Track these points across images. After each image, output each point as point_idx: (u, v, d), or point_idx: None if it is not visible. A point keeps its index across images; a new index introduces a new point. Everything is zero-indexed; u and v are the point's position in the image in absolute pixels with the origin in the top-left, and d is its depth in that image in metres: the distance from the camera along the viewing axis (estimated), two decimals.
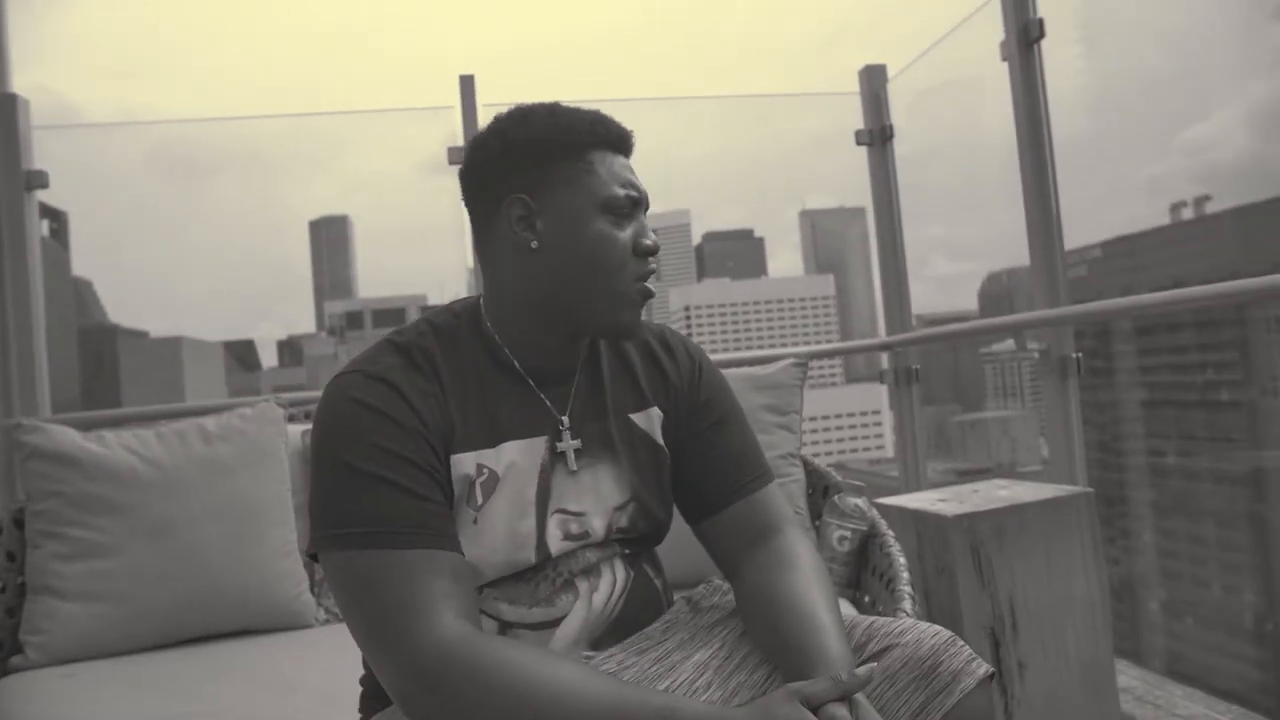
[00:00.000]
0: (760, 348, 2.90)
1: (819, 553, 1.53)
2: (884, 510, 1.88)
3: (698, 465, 1.03)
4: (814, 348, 2.45)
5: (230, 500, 1.61)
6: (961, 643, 0.87)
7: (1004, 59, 2.10)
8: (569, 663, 0.80)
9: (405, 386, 0.89)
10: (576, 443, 0.97)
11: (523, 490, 0.94)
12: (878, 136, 2.75)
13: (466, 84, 2.56)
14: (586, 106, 0.98)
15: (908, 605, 1.22)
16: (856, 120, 2.80)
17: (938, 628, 0.89)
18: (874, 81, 2.77)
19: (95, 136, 3.06)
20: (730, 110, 3.41)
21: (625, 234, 0.94)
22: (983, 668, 0.85)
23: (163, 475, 1.60)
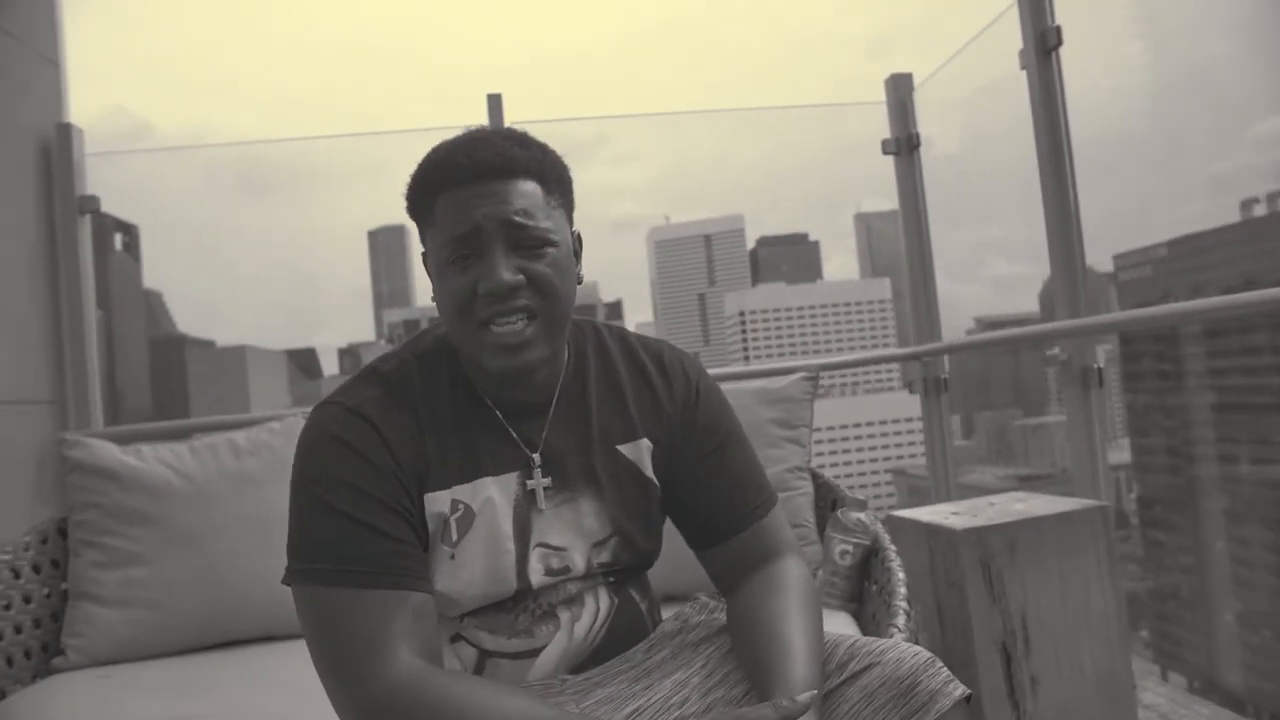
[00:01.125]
0: (816, 354, 2.90)
1: (819, 571, 1.55)
2: (896, 523, 1.88)
3: (698, 495, 1.02)
4: (826, 359, 2.45)
5: (257, 512, 1.68)
6: (941, 664, 0.88)
7: (1022, 67, 2.09)
8: (516, 696, 0.82)
9: (382, 423, 0.90)
10: (546, 480, 0.96)
11: (499, 526, 0.94)
12: (904, 145, 2.74)
13: (494, 102, 2.62)
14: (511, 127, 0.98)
15: (901, 621, 1.22)
16: (899, 127, 2.77)
17: (918, 648, 0.90)
18: (900, 90, 2.76)
19: (166, 156, 3.22)
20: (772, 119, 3.43)
21: (465, 279, 0.89)
22: (959, 689, 0.85)
23: (194, 488, 1.68)
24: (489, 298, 0.88)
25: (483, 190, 0.89)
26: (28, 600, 1.62)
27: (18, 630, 1.59)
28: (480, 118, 2.61)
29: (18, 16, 2.36)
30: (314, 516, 0.87)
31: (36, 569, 1.66)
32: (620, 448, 1.00)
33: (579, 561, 0.97)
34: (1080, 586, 1.70)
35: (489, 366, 0.92)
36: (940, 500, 2.48)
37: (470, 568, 0.92)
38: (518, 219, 0.89)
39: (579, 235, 1.00)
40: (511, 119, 2.61)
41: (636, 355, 1.05)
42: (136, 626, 1.60)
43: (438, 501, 0.92)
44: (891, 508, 1.96)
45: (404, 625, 0.83)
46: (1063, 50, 2.07)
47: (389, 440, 0.89)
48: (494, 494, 0.94)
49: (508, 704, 0.80)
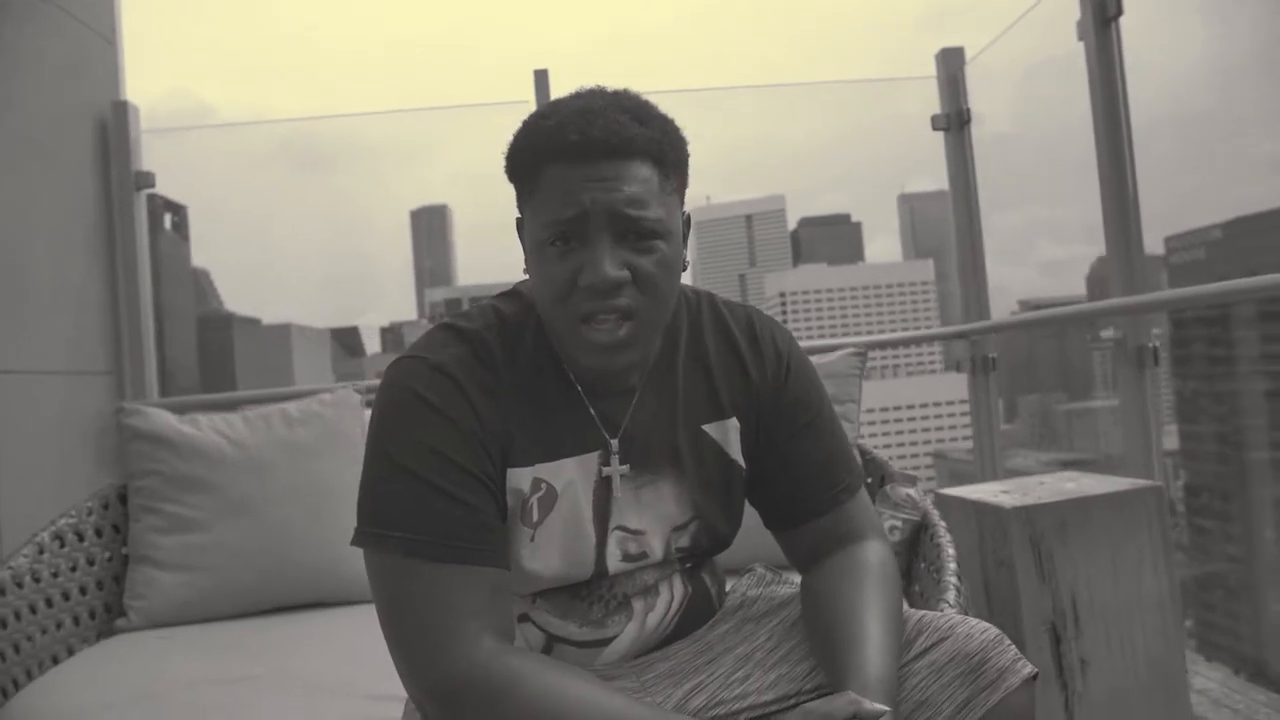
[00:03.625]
0: (858, 333, 2.88)
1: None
2: (945, 501, 1.86)
3: (784, 475, 0.97)
4: (873, 337, 2.43)
5: (309, 480, 1.72)
6: (1009, 642, 0.86)
7: (1079, 38, 2.04)
8: (586, 682, 0.79)
9: (467, 382, 0.85)
10: (625, 468, 0.92)
11: (580, 508, 0.90)
12: (954, 121, 2.69)
13: (541, 78, 2.62)
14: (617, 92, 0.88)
15: (951, 596, 1.21)
16: (949, 102, 2.72)
17: (987, 625, 0.88)
18: (951, 65, 2.70)
19: (214, 136, 3.28)
20: (822, 95, 3.38)
21: (565, 266, 0.83)
22: (1028, 668, 0.84)
23: (248, 456, 1.72)
24: (589, 291, 0.82)
25: (594, 172, 0.82)
26: (91, 563, 1.68)
27: (83, 591, 1.64)
28: (527, 94, 2.62)
29: None
30: (393, 480, 0.82)
31: (99, 533, 1.71)
32: (705, 427, 0.95)
33: (657, 547, 0.93)
34: (1133, 568, 1.67)
35: (583, 361, 0.87)
36: (987, 480, 2.45)
37: (549, 550, 0.89)
38: (629, 211, 0.82)
39: (689, 217, 0.94)
40: (557, 95, 2.60)
41: (726, 326, 0.99)
42: (193, 590, 1.64)
43: (519, 478, 0.88)
44: (931, 491, 1.94)
45: (480, 603, 0.80)
46: (1122, 21, 2.02)
47: (475, 402, 0.84)
48: (576, 475, 0.90)
49: (589, 694, 0.77)
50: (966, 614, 1.24)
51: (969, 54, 2.72)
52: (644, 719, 0.76)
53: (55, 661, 1.53)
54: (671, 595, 0.96)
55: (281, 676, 1.34)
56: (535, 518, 0.89)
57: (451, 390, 0.84)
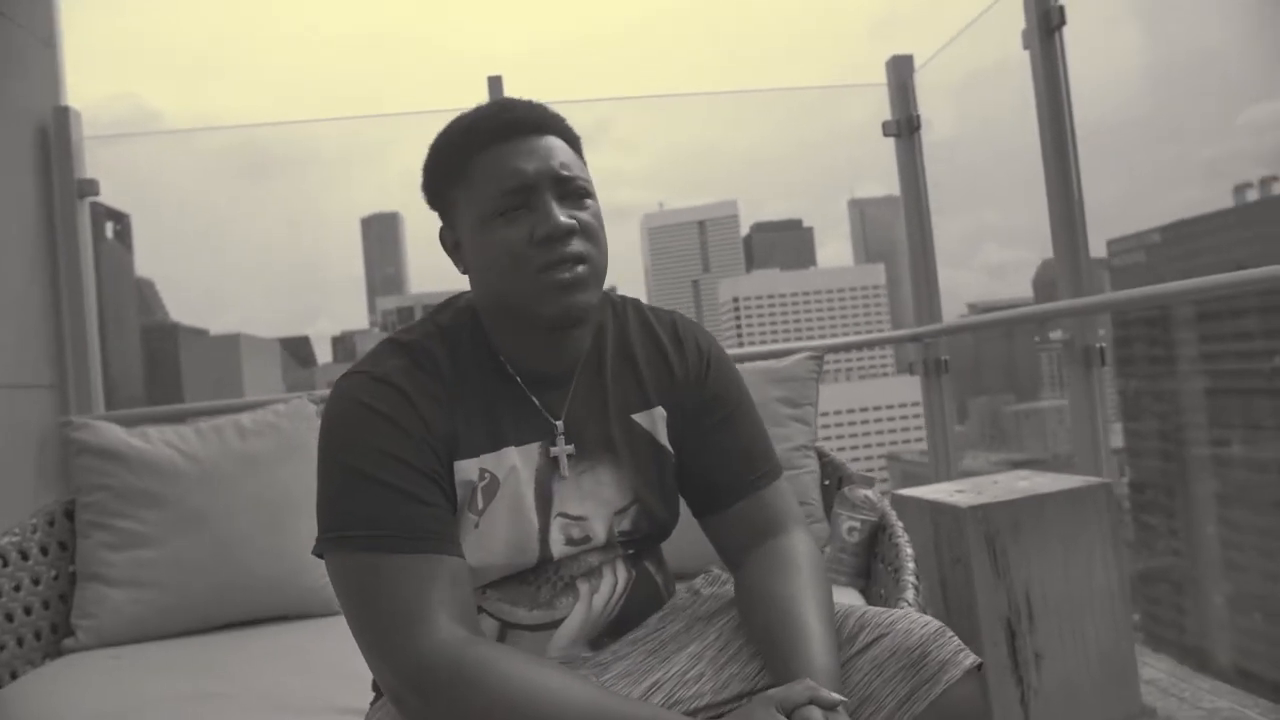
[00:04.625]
0: (811, 338, 2.91)
1: (827, 548, 1.56)
2: (902, 501, 1.89)
3: (705, 461, 1.03)
4: (830, 341, 2.46)
5: (264, 493, 1.69)
6: (951, 634, 0.88)
7: (1025, 47, 2.09)
8: (555, 670, 0.82)
9: (410, 389, 0.90)
10: (570, 448, 0.97)
11: (522, 495, 0.94)
12: (905, 127, 2.74)
13: (495, 84, 2.62)
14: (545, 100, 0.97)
15: (910, 595, 1.23)
16: (899, 109, 2.76)
17: (928, 618, 0.90)
18: (901, 72, 2.75)
19: (160, 142, 3.20)
20: (772, 102, 3.41)
21: (517, 229, 0.90)
22: (970, 658, 0.85)
23: (201, 469, 1.68)
24: (547, 242, 0.90)
25: (523, 146, 0.92)
26: (36, 582, 1.63)
27: (27, 611, 1.59)
28: (481, 99, 2.60)
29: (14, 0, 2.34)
30: (346, 484, 0.86)
31: (44, 550, 1.66)
32: (635, 417, 1.01)
33: (600, 530, 0.98)
34: (1084, 563, 1.72)
35: (546, 312, 0.92)
36: (941, 481, 2.49)
37: (494, 537, 0.93)
38: (563, 171, 0.92)
39: None
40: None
41: (650, 325, 1.06)
42: (146, 607, 1.60)
43: (466, 470, 0.92)
44: (888, 492, 1.97)
45: (442, 591, 0.83)
46: (1065, 31, 2.07)
47: (419, 406, 0.89)
48: (517, 463, 0.95)
49: (552, 679, 0.79)
50: (924, 611, 1.26)
51: (918, 61, 2.78)
52: (610, 704, 0.78)
53: (2, 685, 1.48)
54: (615, 578, 1.00)
55: (240, 693, 1.31)
56: (480, 505, 0.93)
57: (396, 398, 0.89)
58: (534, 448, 0.96)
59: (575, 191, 0.93)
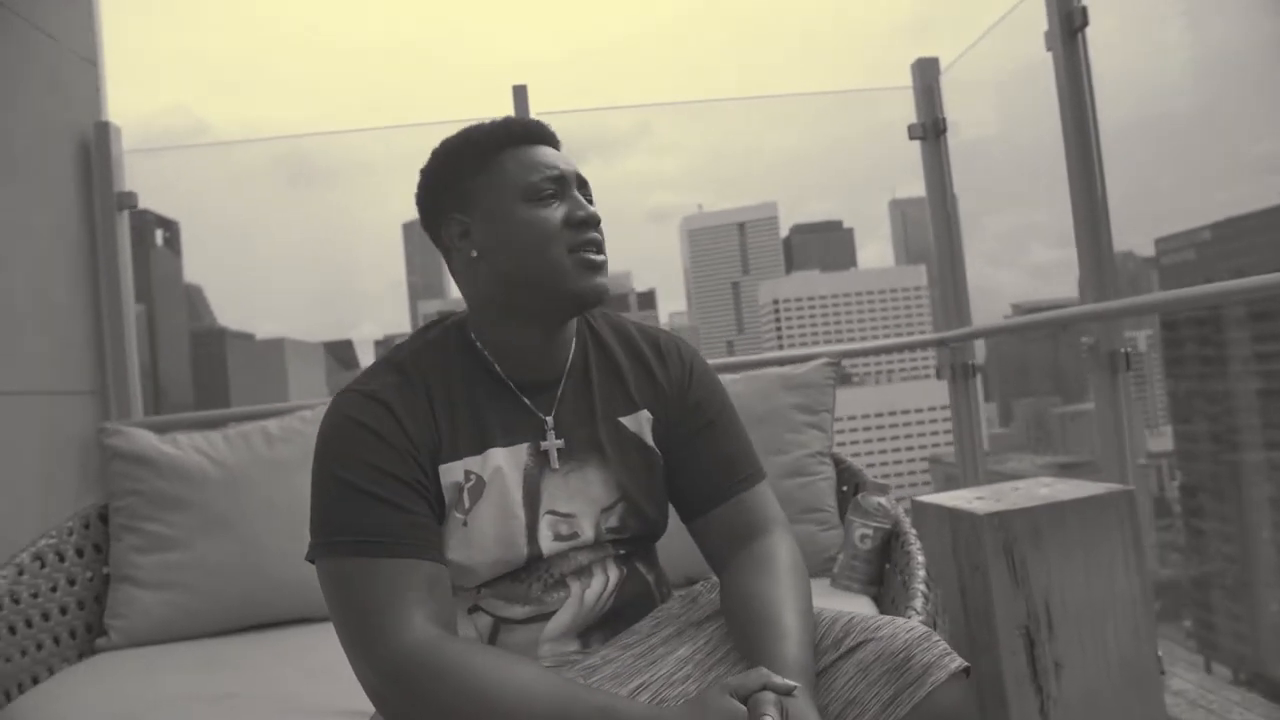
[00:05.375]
0: (850, 340, 2.89)
1: (840, 555, 1.56)
2: (921, 508, 1.88)
3: (689, 468, 1.07)
4: (847, 346, 2.45)
5: (289, 497, 1.73)
6: (938, 639, 0.88)
7: (1048, 48, 2.06)
8: (524, 665, 0.86)
9: (397, 405, 0.96)
10: (560, 442, 1.02)
11: (509, 493, 0.99)
12: (930, 129, 2.72)
13: (519, 93, 2.65)
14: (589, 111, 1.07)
15: (919, 604, 1.23)
16: (925, 111, 2.73)
17: (914, 623, 0.91)
18: (927, 74, 2.73)
19: (210, 152, 3.30)
20: (808, 105, 3.40)
21: (552, 211, 0.99)
22: (955, 662, 0.86)
23: (228, 475, 1.73)
24: (582, 226, 0.98)
25: (547, 150, 1.02)
26: (72, 582, 1.69)
27: (63, 611, 1.65)
28: (507, 108, 2.64)
29: (55, 17, 2.42)
30: (334, 494, 0.92)
31: (80, 553, 1.72)
32: (622, 419, 1.06)
33: (587, 527, 1.02)
34: (1105, 571, 1.69)
35: (574, 287, 0.98)
36: (969, 486, 2.47)
37: (482, 535, 0.97)
38: (582, 174, 1.03)
39: None
40: (539, 109, 2.63)
41: (632, 339, 1.12)
42: (174, 609, 1.65)
43: (451, 472, 0.97)
44: (907, 498, 1.96)
45: (417, 593, 0.88)
46: (1091, 31, 2.04)
47: (403, 421, 0.95)
48: (503, 463, 0.99)
49: (518, 672, 0.83)
50: (935, 621, 1.26)
51: (946, 62, 2.75)
52: (580, 698, 0.81)
53: (35, 682, 1.54)
54: (607, 576, 1.03)
55: (255, 694, 1.35)
56: (467, 505, 0.97)
57: (383, 414, 0.95)
58: (522, 448, 1.01)
59: (589, 194, 1.04)
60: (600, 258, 1.00)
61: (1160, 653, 1.85)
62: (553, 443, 1.02)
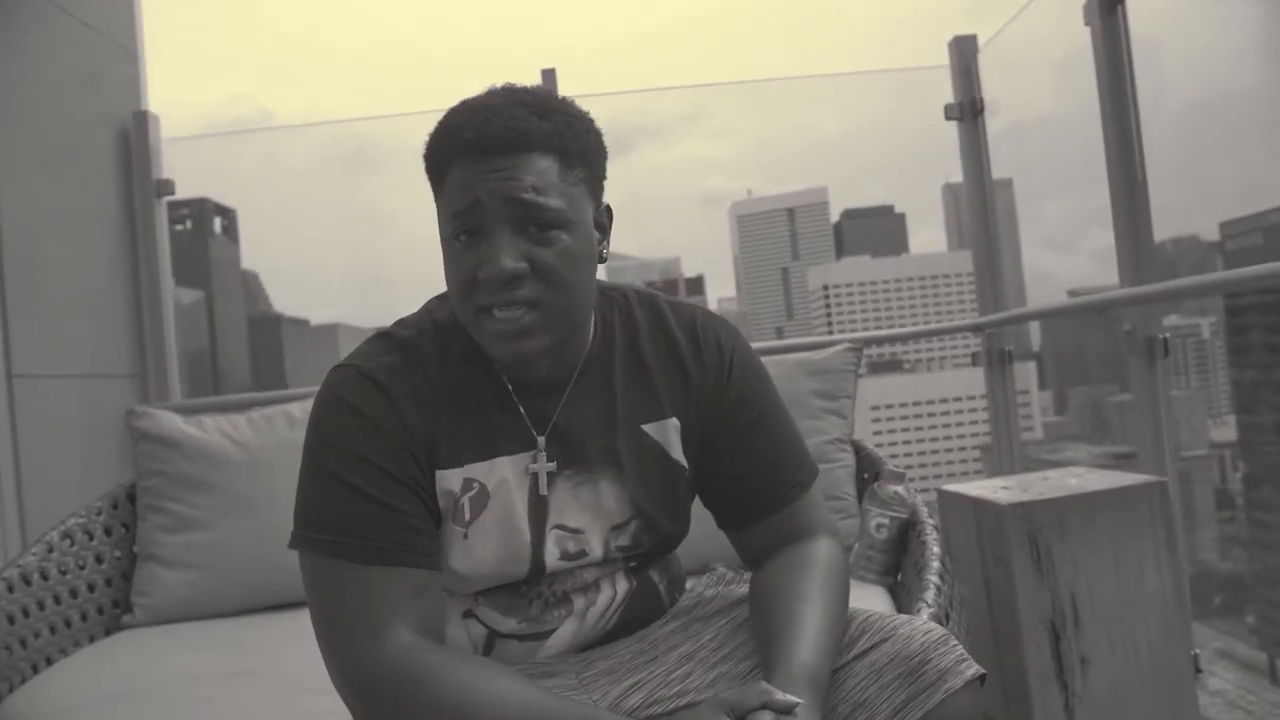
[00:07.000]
0: (902, 325, 2.85)
1: (855, 544, 1.53)
2: (946, 498, 1.84)
3: (733, 474, 0.97)
4: (870, 334, 2.40)
5: None
6: (955, 643, 0.84)
7: (1086, 23, 1.99)
8: (502, 676, 0.81)
9: (395, 390, 0.87)
10: (551, 465, 0.92)
11: (513, 507, 0.91)
12: (968, 110, 2.64)
13: (548, 77, 2.64)
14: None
15: (930, 596, 1.20)
16: (962, 91, 2.65)
17: (933, 625, 0.87)
18: (964, 53, 2.65)
19: (265, 139, 3.36)
20: (858, 84, 3.29)
21: (467, 260, 0.85)
22: (972, 669, 0.82)
23: (250, 457, 1.76)
24: (489, 284, 0.83)
25: (488, 165, 0.83)
26: (100, 560, 1.73)
27: (90, 588, 1.69)
28: None
29: (95, 7, 2.47)
30: (320, 484, 0.86)
31: (108, 531, 1.76)
32: (645, 427, 0.95)
33: (596, 545, 0.93)
34: (1135, 566, 1.63)
35: (490, 351, 0.89)
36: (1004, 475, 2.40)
37: (483, 548, 0.90)
38: (526, 196, 0.82)
39: (609, 209, 0.94)
40: (575, 91, 2.61)
41: (667, 326, 0.98)
42: (196, 588, 1.68)
43: (449, 479, 0.89)
44: (930, 489, 1.92)
45: (401, 602, 0.82)
46: (1146, 7, 1.97)
47: (401, 407, 0.86)
48: (509, 474, 0.91)
49: (497, 685, 0.79)
50: (946, 614, 1.22)
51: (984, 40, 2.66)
52: (557, 710, 0.77)
53: (64, 654, 1.58)
54: (614, 591, 0.97)
55: (267, 672, 1.36)
56: (467, 517, 0.90)
57: (379, 398, 0.87)
58: (528, 457, 0.92)
59: (541, 221, 0.84)
60: (511, 324, 0.84)
61: (1196, 650, 1.78)
62: (543, 465, 0.92)
